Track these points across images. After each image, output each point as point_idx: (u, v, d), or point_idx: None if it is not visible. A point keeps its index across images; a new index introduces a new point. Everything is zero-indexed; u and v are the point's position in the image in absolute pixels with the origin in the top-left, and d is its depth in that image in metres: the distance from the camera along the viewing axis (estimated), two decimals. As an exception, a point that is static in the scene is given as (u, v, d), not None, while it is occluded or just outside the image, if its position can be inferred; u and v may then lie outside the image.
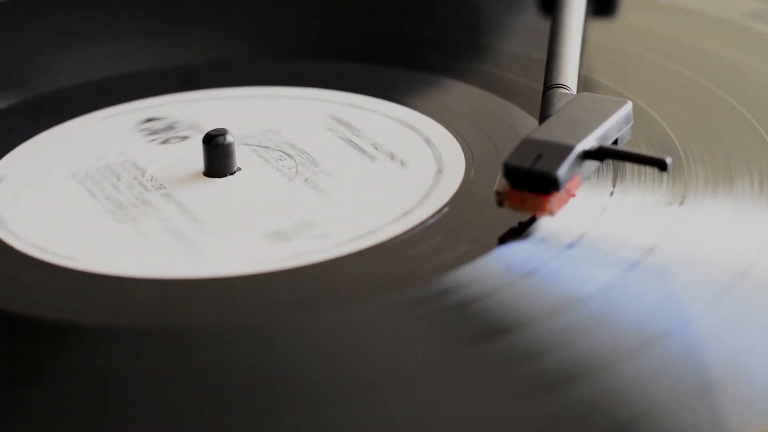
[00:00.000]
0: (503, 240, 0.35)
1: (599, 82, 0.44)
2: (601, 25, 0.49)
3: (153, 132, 0.43)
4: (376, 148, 0.41)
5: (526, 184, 0.35)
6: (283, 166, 0.40)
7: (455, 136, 0.41)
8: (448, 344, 0.31)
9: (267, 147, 0.41)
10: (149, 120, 0.43)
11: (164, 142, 0.42)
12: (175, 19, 0.52)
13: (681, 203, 0.36)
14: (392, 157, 0.40)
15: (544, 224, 0.35)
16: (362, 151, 0.41)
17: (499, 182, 0.35)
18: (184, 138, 0.42)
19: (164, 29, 0.51)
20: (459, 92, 0.44)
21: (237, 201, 0.38)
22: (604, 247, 0.35)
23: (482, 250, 0.34)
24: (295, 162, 0.40)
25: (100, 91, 0.46)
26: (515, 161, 0.35)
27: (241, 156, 0.40)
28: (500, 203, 0.35)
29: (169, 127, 0.43)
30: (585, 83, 0.44)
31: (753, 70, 0.45)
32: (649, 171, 0.38)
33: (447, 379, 0.30)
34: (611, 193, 0.37)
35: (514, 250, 0.35)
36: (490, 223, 0.36)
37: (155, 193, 0.39)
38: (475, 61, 0.47)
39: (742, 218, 0.36)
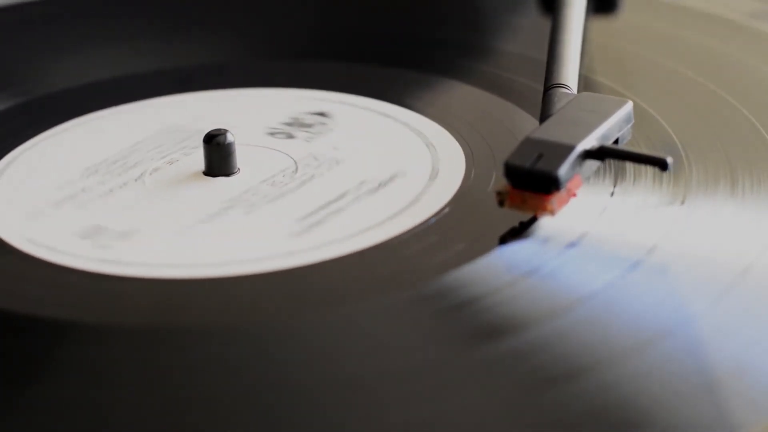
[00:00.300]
0: (503, 240, 0.35)
1: (599, 81, 0.44)
2: (601, 25, 0.49)
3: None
4: (375, 149, 0.41)
5: (527, 184, 0.34)
6: (281, 162, 0.40)
7: (455, 137, 0.41)
8: (448, 344, 0.31)
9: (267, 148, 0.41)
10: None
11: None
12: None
13: (681, 203, 0.36)
14: (391, 157, 0.40)
15: (545, 224, 0.35)
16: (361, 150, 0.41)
17: (499, 182, 0.35)
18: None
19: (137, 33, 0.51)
20: (459, 93, 0.44)
21: (242, 199, 0.38)
22: (604, 247, 0.35)
23: (482, 250, 0.34)
24: (294, 161, 0.40)
25: (85, 97, 0.46)
26: (516, 161, 0.35)
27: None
28: (501, 203, 0.35)
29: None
30: (585, 83, 0.44)
31: (754, 69, 0.45)
32: (650, 171, 0.38)
33: (447, 379, 0.30)
34: (612, 193, 0.37)
35: (514, 250, 0.35)
36: (490, 223, 0.36)
37: (159, 194, 0.39)
38: (475, 61, 0.47)
39: (742, 218, 0.36)
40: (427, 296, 0.33)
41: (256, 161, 0.40)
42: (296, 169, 0.40)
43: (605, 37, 0.49)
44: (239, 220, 0.37)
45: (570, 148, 0.35)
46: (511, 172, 0.35)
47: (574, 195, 0.35)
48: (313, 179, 0.39)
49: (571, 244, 0.35)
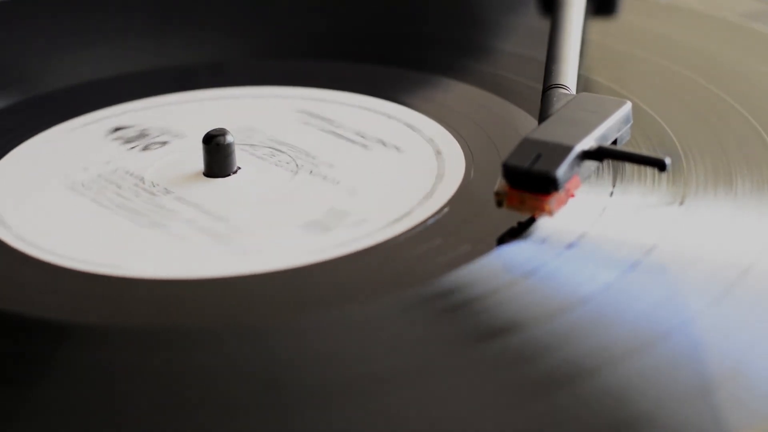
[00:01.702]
0: (503, 240, 0.35)
1: (599, 82, 0.44)
2: (601, 25, 0.49)
3: (128, 140, 0.42)
4: (374, 148, 0.41)
5: (525, 185, 0.35)
6: (280, 161, 0.40)
7: (455, 136, 0.41)
8: (448, 344, 0.31)
9: (274, 149, 0.41)
10: (117, 129, 0.43)
11: (145, 149, 0.42)
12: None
13: (681, 203, 0.36)
14: (391, 156, 0.40)
15: (544, 224, 0.35)
16: (360, 150, 0.41)
17: (498, 182, 0.35)
18: (164, 143, 0.42)
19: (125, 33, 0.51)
20: (459, 92, 0.44)
21: (252, 198, 0.38)
22: (604, 247, 0.35)
23: (482, 250, 0.34)
24: (293, 159, 0.40)
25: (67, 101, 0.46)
26: (514, 161, 0.35)
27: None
28: (499, 204, 0.35)
29: (142, 135, 0.43)
30: (585, 83, 0.44)
31: (753, 70, 0.45)
32: (650, 171, 0.38)
33: (447, 379, 0.30)
34: (611, 193, 0.37)
35: (514, 250, 0.35)
36: (490, 224, 0.36)
37: (165, 197, 0.39)
38: (475, 61, 0.47)
39: (742, 218, 0.36)
40: (427, 296, 0.33)
41: (255, 160, 0.40)
42: (296, 169, 0.40)
43: (605, 38, 0.49)
44: (239, 220, 0.37)
45: (568, 149, 0.35)
46: (510, 172, 0.35)
47: (573, 195, 0.35)
48: (313, 180, 0.39)
49: (571, 245, 0.35)
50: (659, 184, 0.37)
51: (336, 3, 0.54)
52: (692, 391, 0.29)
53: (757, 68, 0.45)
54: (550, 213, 0.34)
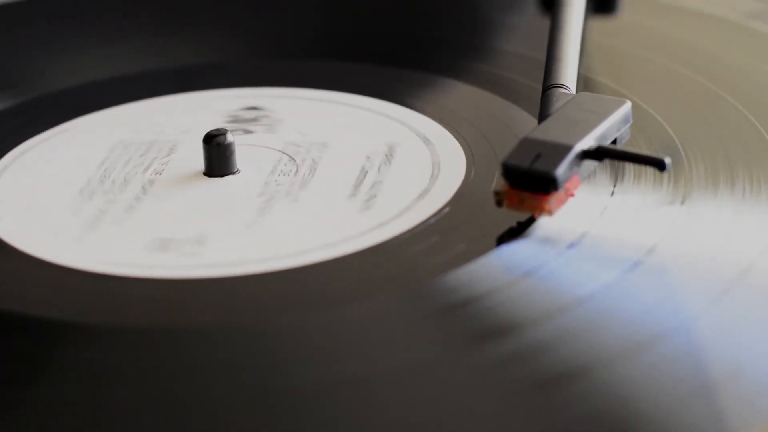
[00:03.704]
0: (503, 240, 0.35)
1: (599, 82, 0.44)
2: (601, 25, 0.49)
3: (130, 140, 0.42)
4: (374, 149, 0.41)
5: (525, 184, 0.34)
6: (280, 161, 0.40)
7: (455, 137, 0.41)
8: (448, 344, 0.31)
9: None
10: (118, 130, 0.43)
11: (145, 151, 0.42)
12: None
13: (681, 203, 0.36)
14: (391, 157, 0.40)
15: (545, 224, 0.35)
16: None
17: (497, 182, 0.35)
18: (165, 143, 0.42)
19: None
20: (459, 92, 0.44)
21: (252, 198, 0.38)
22: (604, 247, 0.35)
23: (482, 250, 0.34)
24: (293, 160, 0.40)
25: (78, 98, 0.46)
26: (513, 161, 0.35)
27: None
28: (499, 203, 0.35)
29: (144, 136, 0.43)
30: (585, 83, 0.44)
31: (753, 69, 0.45)
32: (650, 171, 0.38)
33: (447, 379, 0.30)
34: (612, 193, 0.37)
35: (514, 250, 0.35)
36: (490, 224, 0.36)
37: (163, 195, 0.39)
38: (475, 61, 0.47)
39: (742, 218, 0.36)
40: (427, 296, 0.33)
41: (255, 161, 0.40)
42: (297, 170, 0.40)
43: (605, 38, 0.49)
44: (238, 220, 0.37)
45: (568, 149, 0.35)
46: (509, 172, 0.35)
47: (573, 195, 0.35)
48: (313, 180, 0.39)
49: (571, 245, 0.35)
50: (660, 184, 0.37)
51: (337, 3, 0.54)
52: (692, 391, 0.29)
53: (758, 67, 0.45)
54: (550, 213, 0.34)
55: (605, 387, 0.29)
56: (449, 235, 0.35)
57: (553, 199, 0.34)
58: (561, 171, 0.34)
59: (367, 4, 0.53)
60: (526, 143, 0.35)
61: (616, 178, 0.37)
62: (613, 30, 0.50)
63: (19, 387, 0.31)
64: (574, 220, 0.35)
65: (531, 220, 0.35)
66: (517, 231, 0.35)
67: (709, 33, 0.49)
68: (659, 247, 0.34)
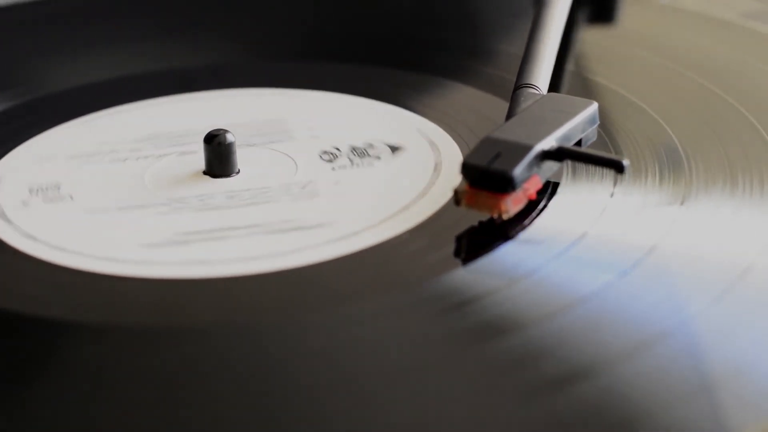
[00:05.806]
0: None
1: (600, 83, 0.44)
2: (600, 27, 0.49)
3: (130, 141, 0.42)
4: (374, 150, 0.41)
5: (484, 183, 0.34)
6: (280, 162, 0.40)
7: (455, 138, 0.41)
8: (448, 344, 0.31)
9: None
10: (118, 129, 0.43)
11: (146, 153, 0.42)
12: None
13: (681, 203, 0.36)
14: (392, 158, 0.40)
15: (544, 224, 0.35)
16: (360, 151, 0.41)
17: (461, 181, 0.35)
18: (167, 144, 0.42)
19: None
20: (460, 94, 0.44)
21: (252, 198, 0.38)
22: (604, 248, 0.35)
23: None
24: (293, 160, 0.40)
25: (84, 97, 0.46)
26: (473, 160, 0.35)
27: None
28: (457, 202, 0.35)
29: (145, 137, 0.43)
30: (585, 85, 0.44)
31: (753, 69, 0.45)
32: (650, 171, 0.38)
33: (447, 379, 0.30)
34: (612, 194, 0.37)
35: (514, 250, 0.35)
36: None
37: (165, 198, 0.39)
38: (475, 63, 0.47)
39: (742, 218, 0.36)
40: (426, 296, 0.33)
41: (255, 161, 0.40)
42: (295, 171, 0.40)
43: (605, 39, 0.49)
44: (239, 220, 0.37)
45: (527, 149, 0.35)
46: (469, 171, 0.35)
47: (533, 196, 0.35)
48: (313, 180, 0.39)
49: (571, 245, 0.35)
50: (660, 184, 0.37)
51: (337, 4, 0.54)
52: (693, 391, 0.29)
53: (757, 68, 0.45)
54: (507, 212, 0.34)
55: (605, 387, 0.29)
56: (448, 235, 0.35)
57: (510, 199, 0.34)
58: (519, 171, 0.34)
59: (367, 6, 0.53)
60: (488, 142, 0.35)
61: (616, 178, 0.37)
62: (614, 31, 0.50)
63: (19, 387, 0.31)
64: (574, 221, 0.35)
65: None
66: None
67: (709, 33, 0.49)
68: (659, 248, 0.34)
